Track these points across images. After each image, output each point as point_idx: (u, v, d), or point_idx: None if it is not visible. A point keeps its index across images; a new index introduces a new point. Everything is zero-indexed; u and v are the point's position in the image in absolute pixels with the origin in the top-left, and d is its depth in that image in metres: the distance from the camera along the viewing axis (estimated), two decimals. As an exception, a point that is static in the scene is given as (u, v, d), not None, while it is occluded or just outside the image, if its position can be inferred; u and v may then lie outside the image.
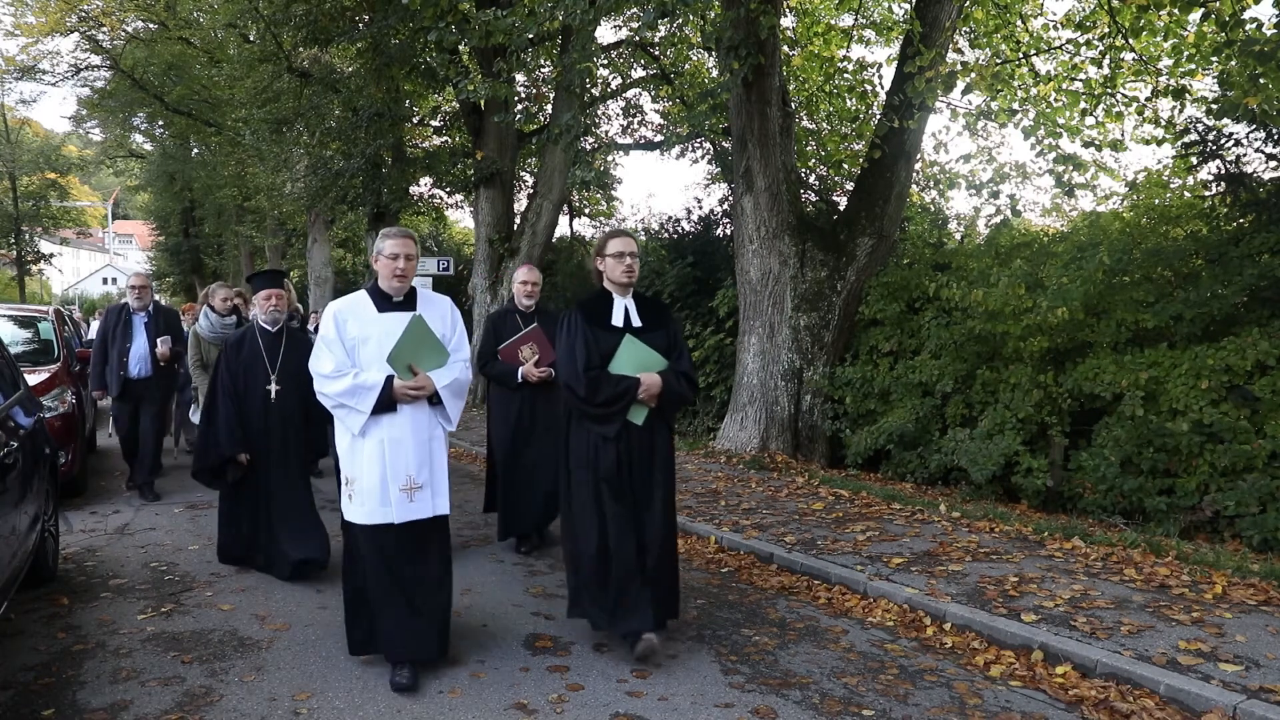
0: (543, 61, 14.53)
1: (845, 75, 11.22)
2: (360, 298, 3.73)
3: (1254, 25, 5.86)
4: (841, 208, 10.08)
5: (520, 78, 13.46)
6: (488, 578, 5.07)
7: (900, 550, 5.33)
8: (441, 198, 17.63)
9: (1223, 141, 7.70)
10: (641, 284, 10.40)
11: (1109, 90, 8.66)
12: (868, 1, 11.19)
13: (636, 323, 3.92)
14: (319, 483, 6.31)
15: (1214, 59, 7.26)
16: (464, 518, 6.39)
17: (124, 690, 3.47)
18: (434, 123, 17.21)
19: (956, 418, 7.62)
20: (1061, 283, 7.21)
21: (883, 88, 10.38)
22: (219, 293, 7.04)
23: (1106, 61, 8.45)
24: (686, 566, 5.17)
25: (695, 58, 14.54)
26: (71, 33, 21.60)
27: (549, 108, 13.24)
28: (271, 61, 14.23)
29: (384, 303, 3.68)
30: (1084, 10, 9.34)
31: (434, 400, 3.66)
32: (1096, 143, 8.66)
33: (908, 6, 10.07)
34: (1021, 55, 9.51)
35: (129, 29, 21.64)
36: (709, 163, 15.12)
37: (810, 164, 12.38)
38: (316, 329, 5.41)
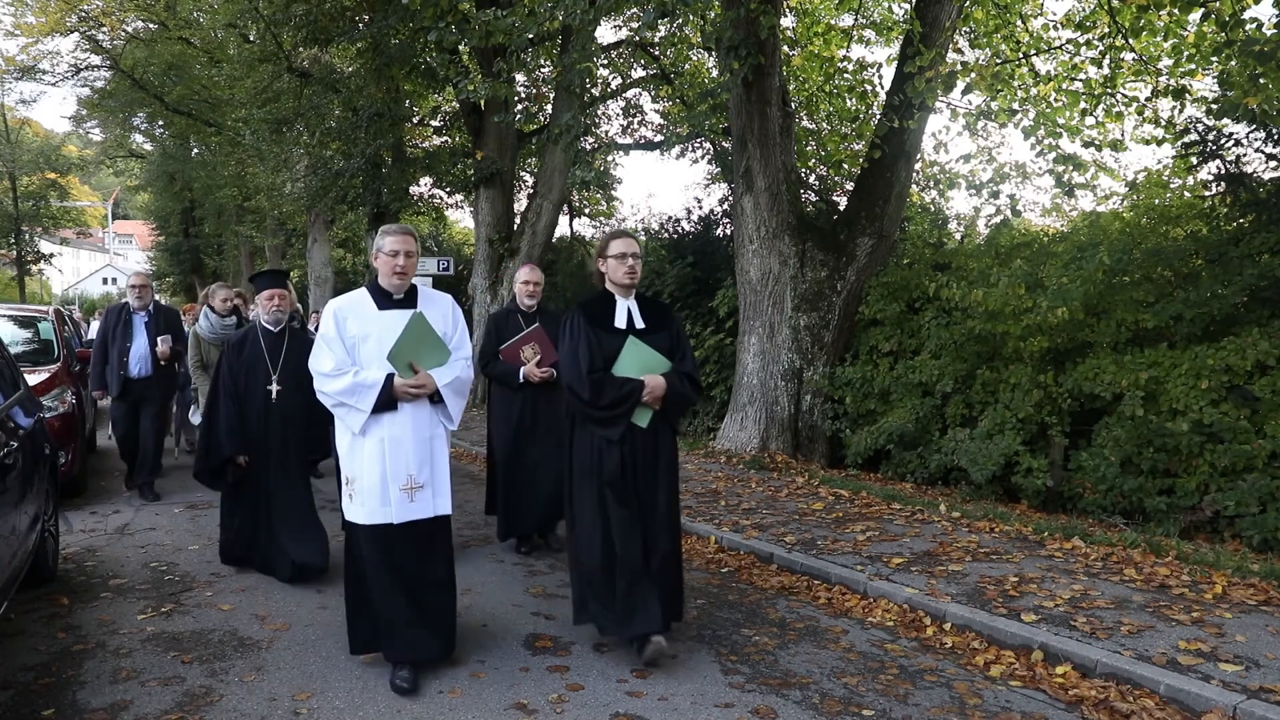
0: (543, 61, 14.53)
1: (845, 75, 11.22)
2: (360, 295, 3.70)
3: (1254, 25, 5.86)
4: (841, 208, 10.08)
5: (520, 78, 13.46)
6: (488, 578, 5.07)
7: (900, 550, 5.33)
8: (441, 198, 17.64)
9: (1223, 141, 7.71)
10: (642, 284, 10.36)
11: (1109, 90, 8.66)
12: (868, 1, 11.19)
13: (639, 324, 3.88)
14: (319, 483, 6.31)
15: (1214, 59, 7.27)
16: (464, 518, 6.39)
17: (124, 690, 3.47)
18: (434, 123, 17.21)
19: (956, 418, 7.62)
20: (1061, 283, 7.21)
21: (883, 88, 10.39)
22: (219, 293, 7.04)
23: (1106, 61, 8.45)
24: (687, 566, 5.14)
25: (695, 58, 14.53)
26: (71, 33, 21.61)
27: (549, 108, 13.24)
28: (271, 61, 14.23)
29: (384, 300, 3.66)
30: (1084, 10, 9.34)
31: (435, 399, 3.64)
32: (1096, 143, 8.67)
33: (908, 6, 10.07)
34: (1021, 55, 9.51)
35: (129, 29, 21.65)
36: (709, 163, 15.11)
37: (810, 164, 12.38)
38: (317, 329, 5.40)
